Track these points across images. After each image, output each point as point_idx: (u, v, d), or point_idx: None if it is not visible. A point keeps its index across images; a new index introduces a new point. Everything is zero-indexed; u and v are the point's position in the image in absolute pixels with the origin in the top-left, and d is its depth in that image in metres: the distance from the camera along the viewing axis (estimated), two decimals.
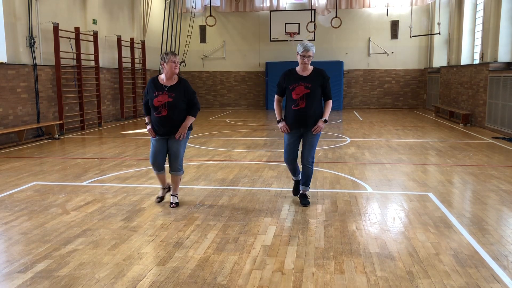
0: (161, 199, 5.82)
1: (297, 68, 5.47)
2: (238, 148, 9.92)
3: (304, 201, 5.65)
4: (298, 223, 4.95)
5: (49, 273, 3.73)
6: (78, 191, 6.35)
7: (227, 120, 16.31)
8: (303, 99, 5.34)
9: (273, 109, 22.20)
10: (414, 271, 3.75)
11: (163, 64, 5.33)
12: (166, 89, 5.31)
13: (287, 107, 5.50)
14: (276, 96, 5.60)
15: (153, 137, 5.51)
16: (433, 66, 20.02)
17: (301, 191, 5.77)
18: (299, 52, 5.35)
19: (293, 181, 5.95)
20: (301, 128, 5.48)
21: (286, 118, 5.50)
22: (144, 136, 11.97)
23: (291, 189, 6.12)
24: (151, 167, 5.74)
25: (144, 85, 18.20)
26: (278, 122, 5.55)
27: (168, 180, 5.86)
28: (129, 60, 16.93)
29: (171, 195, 5.70)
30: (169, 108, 5.29)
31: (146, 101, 5.46)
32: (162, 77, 5.42)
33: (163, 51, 19.24)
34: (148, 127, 5.49)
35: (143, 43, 17.89)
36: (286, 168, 7.66)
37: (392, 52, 21.02)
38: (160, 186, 5.92)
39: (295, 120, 5.43)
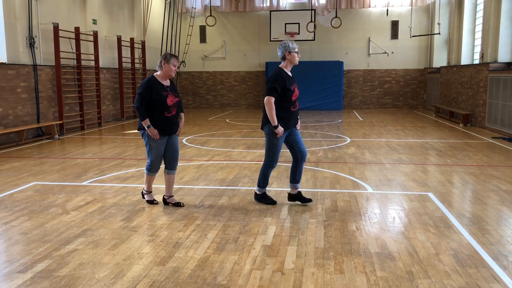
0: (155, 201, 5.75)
1: (286, 69, 5.39)
2: (238, 148, 9.92)
3: (305, 200, 5.66)
4: (298, 223, 4.95)
5: (49, 273, 3.73)
6: (78, 191, 6.35)
7: (227, 120, 16.31)
8: (297, 101, 5.46)
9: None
10: (414, 271, 3.74)
11: (163, 64, 5.29)
12: (168, 89, 5.38)
13: (284, 109, 5.31)
14: (273, 98, 5.23)
15: (156, 139, 5.32)
16: (433, 66, 20.02)
17: (298, 190, 5.68)
18: (295, 50, 5.34)
19: (265, 192, 5.72)
20: (289, 129, 5.46)
21: (282, 120, 5.30)
22: None
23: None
24: (150, 171, 5.53)
25: None
26: (277, 127, 5.26)
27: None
28: (129, 60, 16.93)
29: (170, 196, 5.68)
30: (177, 107, 5.44)
31: (147, 102, 5.24)
32: (159, 77, 5.37)
33: (163, 51, 19.24)
34: (153, 129, 5.27)
35: (143, 43, 17.89)
36: (287, 168, 7.66)
37: (392, 52, 21.02)
38: (146, 190, 5.71)
39: (291, 122, 5.42)
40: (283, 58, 5.39)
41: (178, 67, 5.57)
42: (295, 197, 5.68)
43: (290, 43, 5.35)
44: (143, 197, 5.77)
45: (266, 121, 5.38)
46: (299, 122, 5.59)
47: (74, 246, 4.31)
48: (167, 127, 5.37)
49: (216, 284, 3.53)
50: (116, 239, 4.50)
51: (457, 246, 4.27)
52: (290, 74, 5.41)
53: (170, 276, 3.66)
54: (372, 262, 3.92)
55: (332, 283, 3.54)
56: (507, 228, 4.78)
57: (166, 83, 5.41)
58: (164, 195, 5.71)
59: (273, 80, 5.23)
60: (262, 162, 5.74)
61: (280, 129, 5.28)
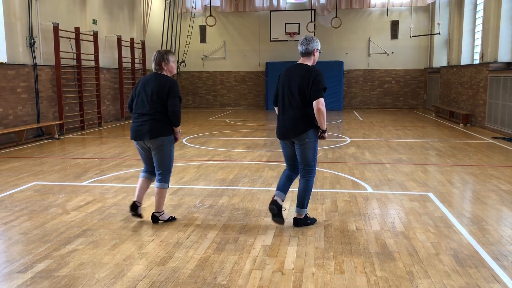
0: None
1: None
2: (238, 148, 9.92)
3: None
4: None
5: (49, 273, 3.73)
6: (78, 191, 6.35)
7: (227, 120, 16.31)
8: None
9: (274, 110, 22.03)
10: (414, 271, 3.74)
11: (164, 65, 4.80)
12: None
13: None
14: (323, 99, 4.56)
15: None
16: (433, 66, 20.02)
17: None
18: (319, 48, 4.74)
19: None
20: None
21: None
22: None
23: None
24: (169, 181, 4.97)
25: None
26: (326, 130, 4.70)
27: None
28: (129, 60, 16.93)
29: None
30: None
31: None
32: None
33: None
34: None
35: (143, 43, 17.89)
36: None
37: (392, 52, 21.01)
38: (163, 208, 5.02)
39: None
40: (310, 54, 4.67)
41: (181, 63, 5.13)
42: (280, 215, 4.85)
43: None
44: (163, 219, 4.95)
45: (308, 127, 4.61)
46: None
47: (74, 246, 4.31)
48: None
49: (216, 284, 3.53)
50: (116, 239, 4.50)
51: (457, 246, 4.27)
52: None
53: (170, 276, 3.67)
54: (372, 262, 3.92)
55: (332, 283, 3.54)
56: (507, 228, 4.78)
57: None
58: (136, 200, 5.01)
59: (323, 80, 4.56)
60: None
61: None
